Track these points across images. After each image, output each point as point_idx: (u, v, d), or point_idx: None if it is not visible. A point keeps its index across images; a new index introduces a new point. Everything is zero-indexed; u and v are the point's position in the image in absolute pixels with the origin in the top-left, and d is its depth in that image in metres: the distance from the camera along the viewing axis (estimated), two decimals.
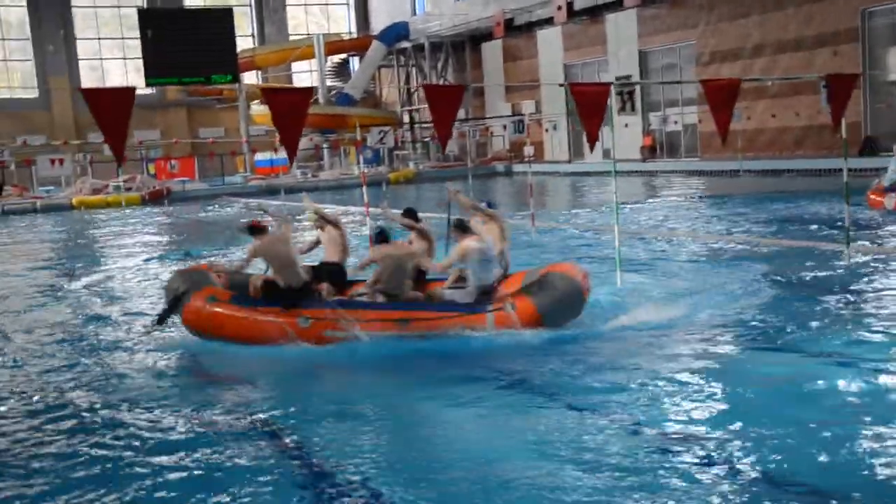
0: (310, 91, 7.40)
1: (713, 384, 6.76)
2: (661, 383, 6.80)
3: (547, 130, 39.04)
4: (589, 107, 7.55)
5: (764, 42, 29.41)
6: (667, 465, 5.25)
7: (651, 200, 22.30)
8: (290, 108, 6.41)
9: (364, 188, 15.32)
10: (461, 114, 45.11)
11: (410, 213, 9.52)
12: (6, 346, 9.66)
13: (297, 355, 8.12)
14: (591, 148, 8.09)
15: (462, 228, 8.58)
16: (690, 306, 9.11)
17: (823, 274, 10.65)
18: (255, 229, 8.57)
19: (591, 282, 8.87)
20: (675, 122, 34.01)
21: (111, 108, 5.95)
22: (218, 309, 8.37)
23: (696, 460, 5.30)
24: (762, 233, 14.86)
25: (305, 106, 6.64)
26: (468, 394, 6.87)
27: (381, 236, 8.76)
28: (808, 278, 10.50)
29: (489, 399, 6.75)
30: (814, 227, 15.10)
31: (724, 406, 6.29)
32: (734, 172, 28.15)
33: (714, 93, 8.06)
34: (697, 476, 5.08)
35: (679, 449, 5.49)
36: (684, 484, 4.97)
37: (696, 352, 7.59)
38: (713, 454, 5.37)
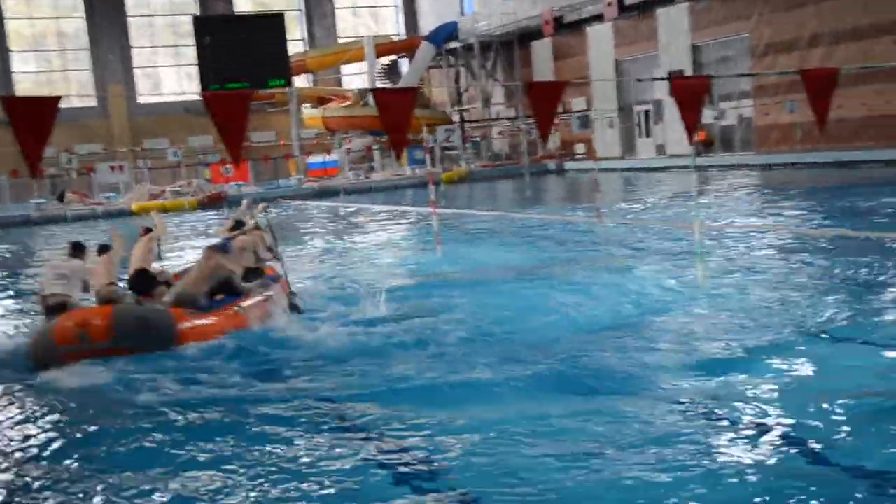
0: (416, 90, 7.61)
1: (793, 379, 6.75)
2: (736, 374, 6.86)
3: (611, 126, 38.67)
4: (688, 100, 7.63)
5: (821, 32, 29.00)
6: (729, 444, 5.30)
7: (712, 194, 22.18)
8: (397, 106, 6.59)
9: (432, 186, 15.61)
10: (510, 112, 45.20)
11: (237, 225, 10.74)
12: None
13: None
14: (691, 140, 8.19)
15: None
16: (771, 301, 9.09)
17: None
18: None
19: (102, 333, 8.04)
20: (739, 116, 33.42)
21: (230, 112, 6.15)
22: None
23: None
24: (830, 225, 14.76)
25: (412, 104, 6.82)
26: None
27: None
28: (881, 273, 10.29)
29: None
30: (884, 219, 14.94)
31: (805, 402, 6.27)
32: (793, 165, 27.85)
33: (813, 82, 8.08)
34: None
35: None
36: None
37: (776, 345, 7.57)
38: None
